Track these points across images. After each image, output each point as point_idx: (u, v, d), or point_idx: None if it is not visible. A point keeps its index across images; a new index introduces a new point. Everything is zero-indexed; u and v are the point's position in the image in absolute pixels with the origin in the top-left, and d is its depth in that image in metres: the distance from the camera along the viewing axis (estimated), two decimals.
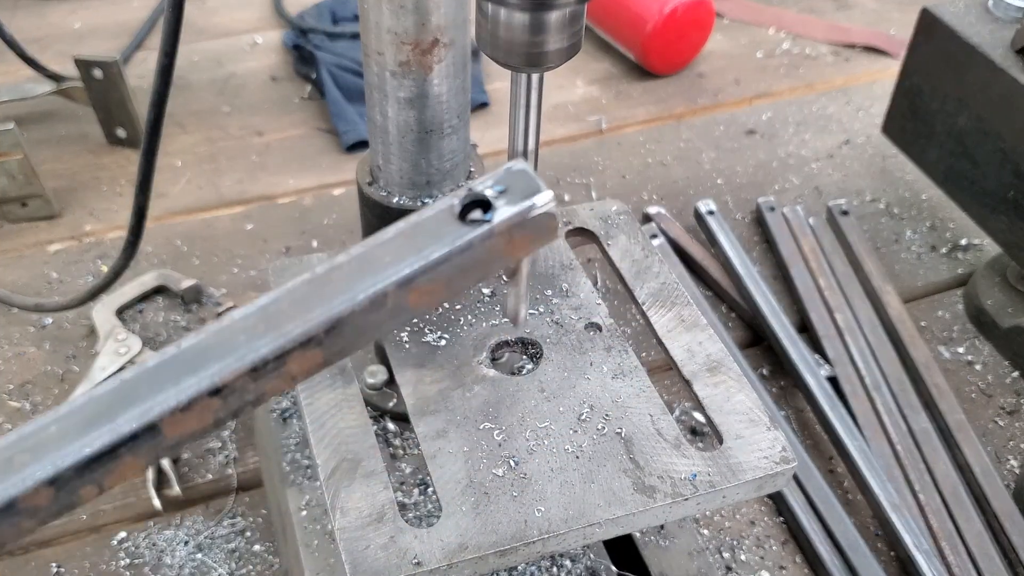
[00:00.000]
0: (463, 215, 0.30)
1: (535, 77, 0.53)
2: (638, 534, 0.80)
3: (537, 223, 0.31)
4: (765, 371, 1.13)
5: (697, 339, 0.67)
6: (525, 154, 0.57)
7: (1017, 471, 1.02)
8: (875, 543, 0.95)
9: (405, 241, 0.30)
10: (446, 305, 0.69)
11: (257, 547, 0.93)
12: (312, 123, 1.49)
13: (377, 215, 0.80)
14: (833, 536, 0.94)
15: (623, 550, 0.79)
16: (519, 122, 0.56)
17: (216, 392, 0.30)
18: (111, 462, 0.30)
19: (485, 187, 0.30)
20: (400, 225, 0.30)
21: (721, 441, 0.61)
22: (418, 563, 0.53)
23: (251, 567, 0.91)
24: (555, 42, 0.51)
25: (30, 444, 0.29)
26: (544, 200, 0.31)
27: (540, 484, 0.58)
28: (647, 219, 1.30)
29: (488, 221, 0.30)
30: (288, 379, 0.31)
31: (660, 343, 0.67)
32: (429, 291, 0.31)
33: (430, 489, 0.75)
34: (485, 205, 0.30)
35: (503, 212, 0.30)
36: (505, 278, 0.60)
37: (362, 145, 1.42)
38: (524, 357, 0.67)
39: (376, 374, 0.74)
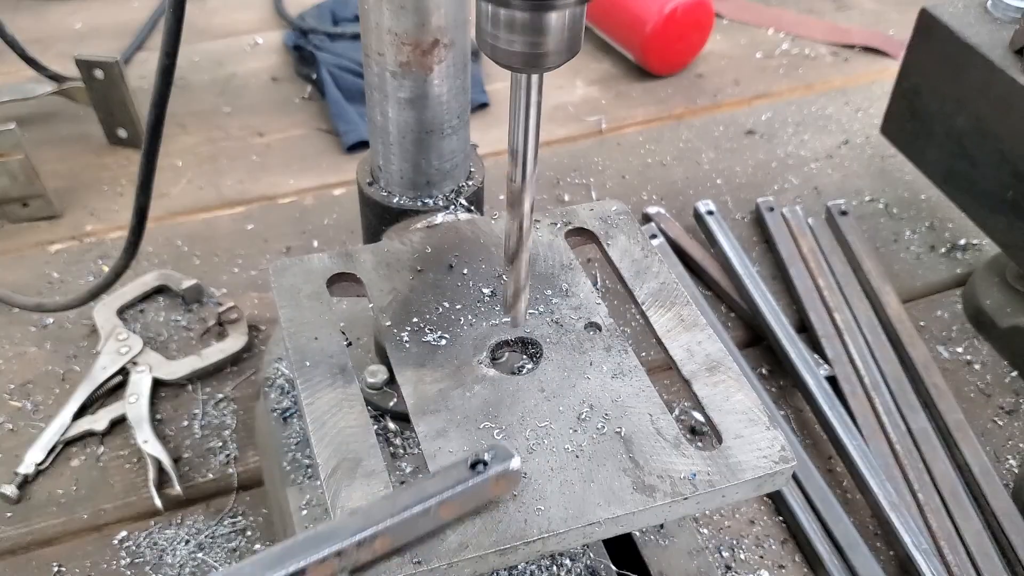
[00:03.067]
0: (472, 467, 0.55)
1: (535, 78, 0.54)
2: (638, 533, 0.80)
3: (510, 476, 0.55)
4: (764, 371, 1.13)
5: (696, 339, 0.67)
6: (525, 155, 0.57)
7: (1016, 470, 1.03)
8: (874, 542, 0.96)
9: (440, 479, 0.54)
10: (446, 304, 0.69)
11: (258, 546, 0.93)
12: (312, 123, 1.50)
13: (377, 215, 0.81)
14: (832, 535, 0.94)
15: (623, 549, 0.80)
16: (519, 123, 0.56)
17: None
18: None
19: (483, 454, 0.55)
20: (437, 472, 0.55)
21: (720, 441, 0.61)
22: (418, 562, 0.54)
23: None
24: (555, 43, 0.51)
25: None
26: (516, 463, 0.55)
27: (540, 483, 0.58)
28: (647, 219, 1.30)
29: (486, 472, 0.55)
30: (372, 552, 0.53)
31: (659, 343, 0.68)
32: (452, 508, 0.54)
33: None
34: (483, 463, 0.55)
35: (493, 468, 0.55)
36: (504, 277, 0.60)
37: (362, 145, 1.42)
38: (524, 357, 0.67)
39: (376, 374, 0.75)
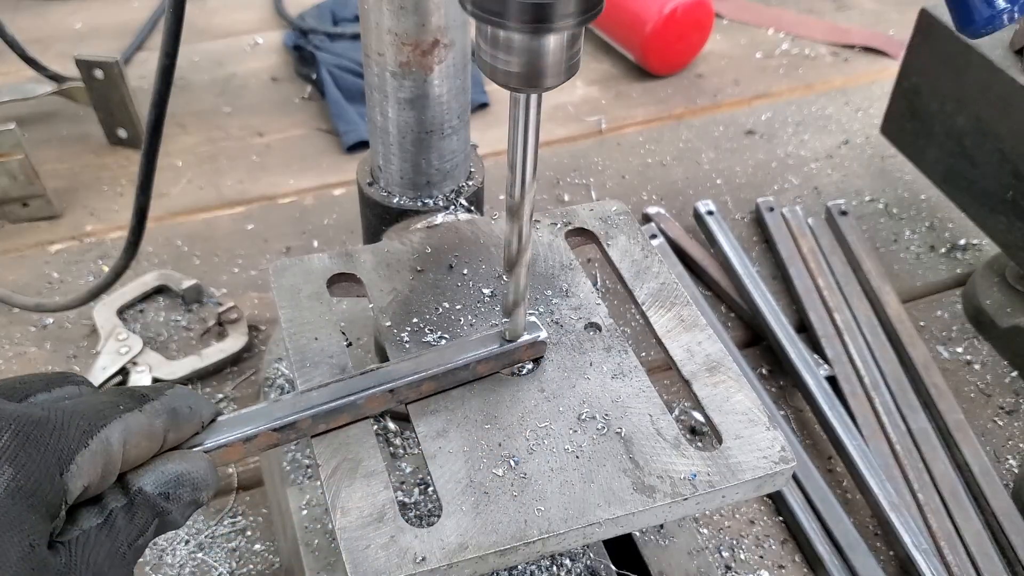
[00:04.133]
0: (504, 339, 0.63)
1: (533, 97, 0.53)
2: (638, 533, 0.80)
3: (538, 344, 0.64)
4: (764, 371, 1.13)
5: (696, 339, 0.67)
6: (524, 170, 0.57)
7: (1016, 470, 1.03)
8: (874, 542, 0.96)
9: (479, 342, 0.63)
10: (446, 305, 0.69)
11: (258, 546, 0.93)
12: (312, 123, 1.50)
13: (377, 215, 0.81)
14: (832, 535, 0.94)
15: (623, 549, 0.80)
16: (518, 141, 0.56)
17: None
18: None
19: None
20: (477, 337, 0.64)
21: (720, 441, 0.61)
22: (419, 562, 0.54)
23: (252, 566, 0.92)
24: (553, 64, 0.51)
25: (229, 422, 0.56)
26: (544, 335, 0.65)
27: (540, 484, 0.58)
28: (647, 219, 1.30)
29: (518, 342, 0.64)
30: (419, 391, 0.62)
31: (659, 343, 0.68)
32: (487, 365, 0.63)
33: (430, 489, 0.75)
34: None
35: (525, 338, 0.64)
36: (504, 278, 0.60)
37: (363, 145, 1.42)
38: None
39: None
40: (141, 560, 0.91)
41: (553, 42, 0.50)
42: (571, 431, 0.61)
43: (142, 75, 1.55)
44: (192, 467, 0.51)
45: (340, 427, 0.59)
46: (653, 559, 0.79)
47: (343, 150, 1.43)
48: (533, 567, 0.75)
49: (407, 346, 0.66)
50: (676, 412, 1.06)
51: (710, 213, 1.28)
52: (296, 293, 0.69)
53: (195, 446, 0.54)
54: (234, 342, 1.10)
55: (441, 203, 0.79)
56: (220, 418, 0.56)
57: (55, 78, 1.39)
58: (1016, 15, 0.59)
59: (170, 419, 0.51)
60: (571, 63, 0.52)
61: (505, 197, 0.58)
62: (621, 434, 0.61)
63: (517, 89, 0.52)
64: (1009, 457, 1.04)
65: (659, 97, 1.59)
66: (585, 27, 0.51)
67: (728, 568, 0.93)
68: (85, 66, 1.33)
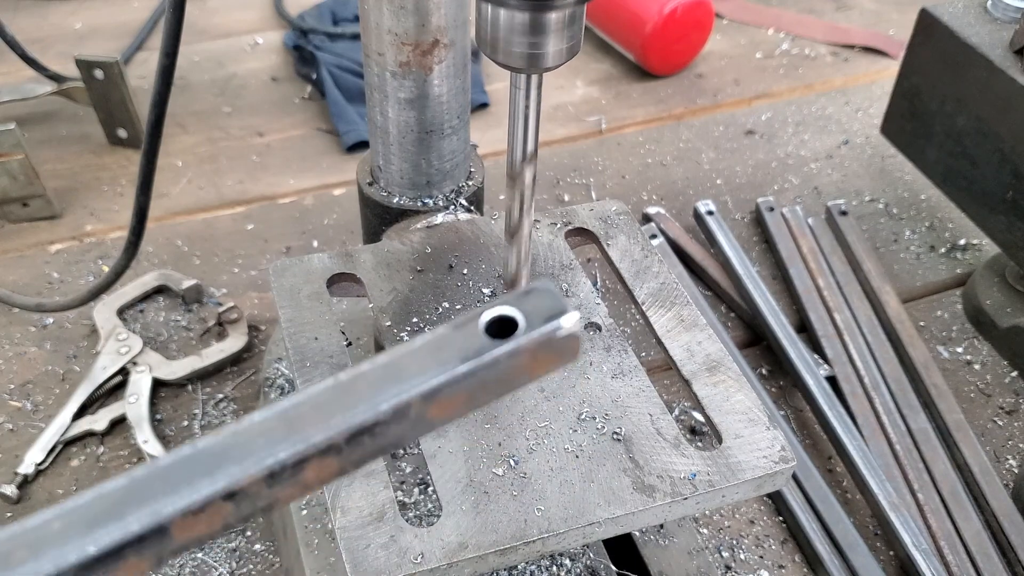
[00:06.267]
0: (489, 332, 0.30)
1: (534, 78, 0.54)
2: (637, 533, 0.80)
3: (562, 344, 0.30)
4: (764, 371, 1.13)
5: (696, 339, 0.67)
6: (524, 155, 0.57)
7: (1015, 470, 1.03)
8: (874, 542, 0.96)
9: (431, 353, 0.30)
10: (446, 304, 0.69)
11: (258, 546, 0.93)
12: (312, 123, 1.50)
13: (377, 215, 0.81)
14: (832, 535, 0.94)
15: (622, 549, 0.79)
16: (518, 123, 0.56)
17: (230, 496, 0.29)
18: (114, 563, 0.28)
19: (511, 306, 0.30)
20: (427, 337, 0.31)
21: (720, 440, 0.61)
22: (418, 562, 0.54)
23: (252, 566, 0.92)
24: (554, 43, 0.51)
25: (31, 539, 0.28)
26: (570, 322, 0.30)
27: (540, 483, 0.58)
28: (646, 219, 1.30)
29: (515, 339, 0.30)
30: (302, 487, 0.30)
31: (659, 343, 0.68)
32: (451, 405, 0.31)
33: (430, 488, 0.75)
34: (511, 323, 0.30)
35: (530, 332, 0.30)
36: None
37: (362, 145, 1.42)
38: None
39: None
40: None
41: (554, 20, 0.50)
42: (571, 431, 0.61)
43: (142, 75, 1.55)
44: None
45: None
46: (653, 559, 0.79)
47: (343, 150, 1.43)
48: (533, 567, 0.75)
49: None
50: (676, 412, 1.06)
51: (710, 213, 1.28)
52: (296, 293, 0.69)
53: None
54: (234, 342, 1.10)
55: (441, 203, 0.79)
56: None
57: (55, 78, 1.39)
58: None
59: None
60: (572, 43, 0.52)
61: (506, 160, 0.58)
62: (621, 434, 0.61)
63: (518, 70, 0.52)
64: (1009, 457, 1.04)
65: (659, 97, 1.59)
66: (584, 7, 0.51)
67: (728, 568, 0.93)
68: (85, 66, 1.33)
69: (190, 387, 1.08)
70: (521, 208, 0.60)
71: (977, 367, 1.14)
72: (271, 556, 0.93)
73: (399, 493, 0.75)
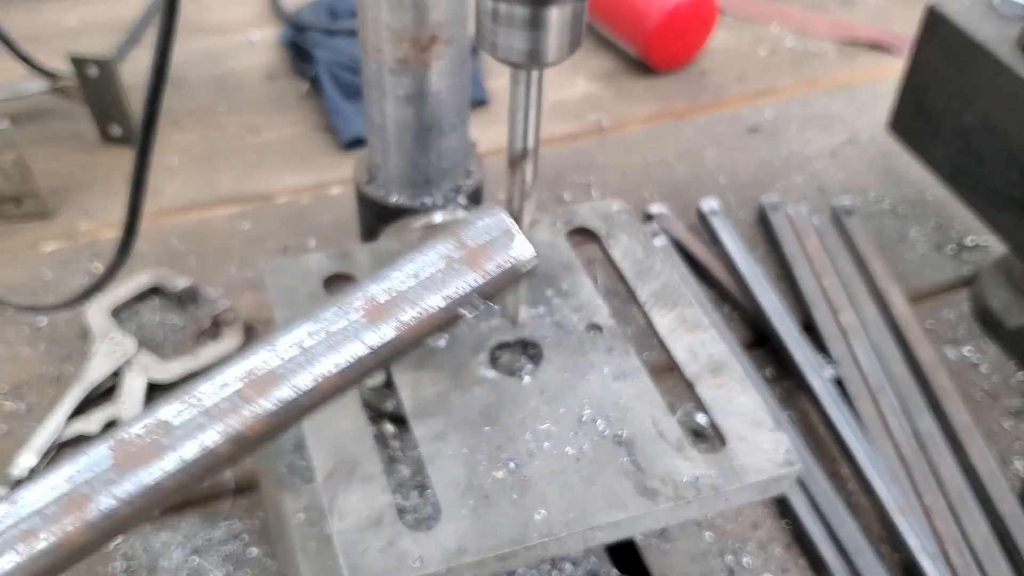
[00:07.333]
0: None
1: (535, 74, 0.53)
2: (640, 537, 0.79)
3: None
4: (768, 372, 1.12)
5: (700, 340, 0.66)
6: (525, 152, 0.56)
7: (1023, 473, 1.01)
8: (880, 546, 0.94)
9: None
10: None
11: (254, 550, 0.92)
12: (310, 121, 1.48)
13: (375, 214, 0.80)
14: (837, 539, 0.93)
15: (625, 553, 0.78)
16: (519, 120, 0.55)
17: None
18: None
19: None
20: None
21: (724, 443, 0.60)
22: (417, 567, 0.53)
23: (248, 570, 0.90)
24: (556, 38, 0.50)
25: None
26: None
27: (540, 487, 0.57)
28: (649, 218, 1.29)
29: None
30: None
31: (662, 344, 0.67)
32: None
33: (429, 492, 0.74)
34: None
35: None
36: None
37: (360, 143, 1.41)
38: (524, 358, 0.66)
39: (374, 375, 0.73)
40: (136, 563, 0.90)
41: (555, 15, 0.49)
42: (572, 433, 0.60)
43: (136, 72, 1.53)
44: None
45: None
46: (655, 563, 0.78)
47: (341, 148, 1.42)
48: (533, 571, 0.74)
49: None
50: (679, 414, 1.04)
51: (713, 212, 1.27)
52: (292, 293, 0.68)
53: None
54: (230, 343, 1.09)
55: (440, 202, 0.78)
56: None
57: (49, 75, 1.38)
58: None
59: None
60: (573, 38, 0.51)
61: (506, 164, 0.57)
62: (623, 436, 0.60)
63: (518, 65, 0.51)
64: (1016, 460, 1.03)
65: (661, 94, 1.58)
66: (585, 2, 0.50)
67: (732, 572, 0.92)
68: (79, 63, 1.32)
69: None
70: (521, 207, 0.59)
71: (984, 368, 1.13)
72: (268, 560, 0.91)
73: (397, 497, 0.74)
